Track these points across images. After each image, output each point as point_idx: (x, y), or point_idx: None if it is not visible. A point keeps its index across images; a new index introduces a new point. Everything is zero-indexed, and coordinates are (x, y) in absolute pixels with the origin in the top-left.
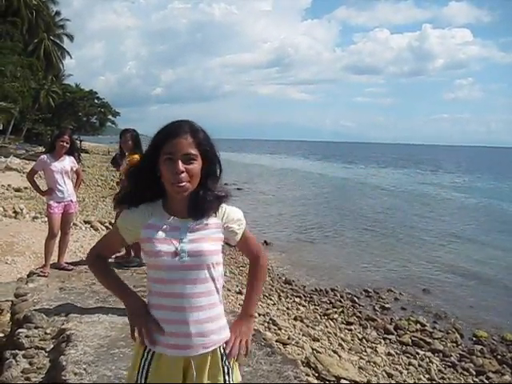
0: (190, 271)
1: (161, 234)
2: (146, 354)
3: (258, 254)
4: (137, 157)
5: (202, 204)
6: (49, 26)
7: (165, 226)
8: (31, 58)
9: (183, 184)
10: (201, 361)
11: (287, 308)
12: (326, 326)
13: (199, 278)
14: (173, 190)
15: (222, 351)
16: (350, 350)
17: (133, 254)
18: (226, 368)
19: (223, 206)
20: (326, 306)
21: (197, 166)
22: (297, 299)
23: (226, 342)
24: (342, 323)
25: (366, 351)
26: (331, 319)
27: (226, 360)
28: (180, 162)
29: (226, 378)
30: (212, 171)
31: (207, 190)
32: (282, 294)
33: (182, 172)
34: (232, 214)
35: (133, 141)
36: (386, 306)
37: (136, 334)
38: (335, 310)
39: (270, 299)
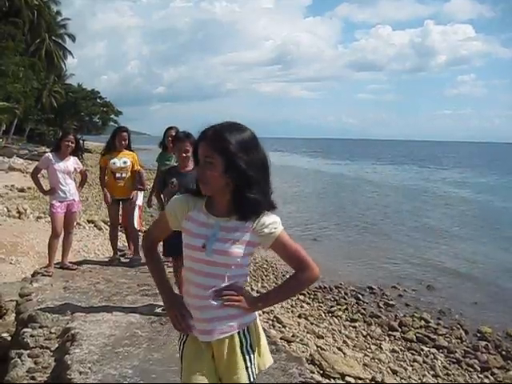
0: (214, 267)
1: (194, 228)
2: (182, 336)
3: (301, 266)
4: (135, 155)
5: (239, 208)
6: (50, 26)
7: (200, 221)
8: (33, 58)
9: (203, 186)
10: (220, 346)
11: (291, 306)
12: (331, 324)
13: (222, 274)
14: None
15: (243, 337)
16: (354, 347)
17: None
18: (246, 355)
19: (265, 212)
20: (331, 304)
21: (213, 170)
22: (301, 297)
23: (247, 328)
24: (347, 320)
25: (370, 348)
26: (335, 316)
27: (247, 346)
28: (201, 166)
29: (248, 364)
30: (244, 177)
31: (242, 195)
32: None
33: (201, 175)
34: (264, 218)
35: (129, 139)
36: (390, 302)
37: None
38: (339, 307)
39: None
